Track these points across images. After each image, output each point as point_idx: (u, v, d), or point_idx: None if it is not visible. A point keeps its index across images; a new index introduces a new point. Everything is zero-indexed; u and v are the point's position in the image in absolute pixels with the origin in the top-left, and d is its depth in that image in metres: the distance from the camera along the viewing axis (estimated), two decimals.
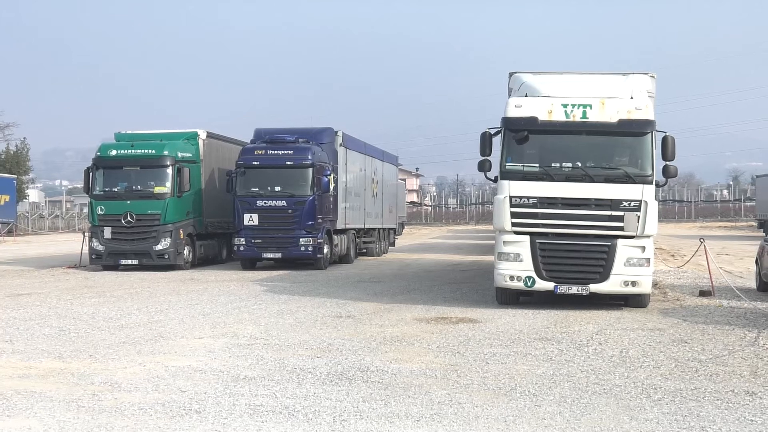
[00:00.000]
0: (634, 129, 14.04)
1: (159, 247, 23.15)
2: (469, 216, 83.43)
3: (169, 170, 23.45)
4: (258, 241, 23.35)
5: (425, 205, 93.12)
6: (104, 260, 23.45)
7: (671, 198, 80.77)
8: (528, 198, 14.15)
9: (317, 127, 25.68)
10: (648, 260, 14.00)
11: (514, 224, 14.19)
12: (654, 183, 14.09)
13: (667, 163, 14.20)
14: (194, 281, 20.11)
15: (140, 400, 7.71)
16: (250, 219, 23.24)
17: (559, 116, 14.13)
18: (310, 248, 23.26)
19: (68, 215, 75.67)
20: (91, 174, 23.85)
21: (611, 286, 14.03)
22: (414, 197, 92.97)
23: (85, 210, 48.62)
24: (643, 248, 13.96)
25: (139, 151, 23.66)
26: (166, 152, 23.57)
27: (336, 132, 25.83)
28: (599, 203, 14.01)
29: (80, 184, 28.96)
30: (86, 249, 24.11)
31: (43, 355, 10.09)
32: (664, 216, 67.23)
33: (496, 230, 14.69)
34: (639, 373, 9.06)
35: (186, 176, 23.67)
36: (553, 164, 14.40)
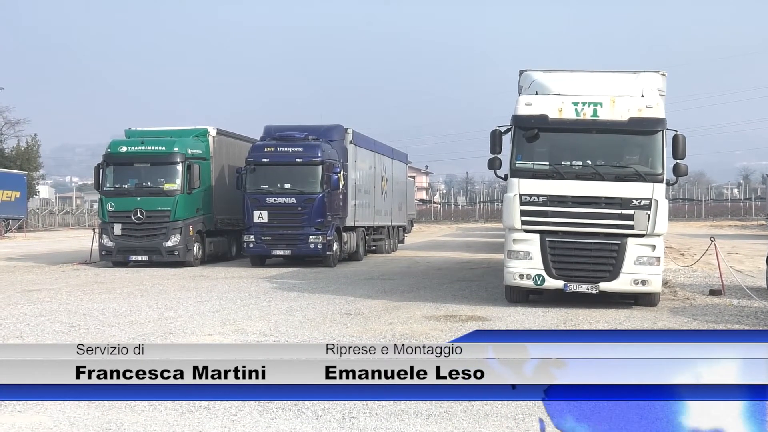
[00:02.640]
0: (644, 127, 14.01)
1: (169, 243, 23.20)
2: (479, 214, 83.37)
3: (179, 167, 23.49)
4: (267, 238, 23.38)
5: (434, 202, 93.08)
6: (114, 257, 23.53)
7: (681, 197, 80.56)
8: (538, 196, 14.12)
9: (327, 125, 25.68)
10: (658, 259, 13.96)
11: (523, 222, 14.17)
12: (664, 182, 14.05)
13: (678, 161, 14.16)
14: (204, 278, 20.16)
15: None
16: (260, 216, 23.27)
17: (569, 114, 14.10)
18: (319, 245, 23.28)
19: (78, 211, 75.93)
20: (101, 171, 23.91)
21: (621, 284, 13.99)
22: (423, 195, 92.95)
23: (95, 206, 48.70)
24: (654, 247, 13.92)
25: (149, 147, 23.72)
26: (176, 149, 23.62)
27: (346, 129, 25.82)
28: (609, 202, 13.98)
29: (90, 181, 29.05)
30: (96, 245, 24.18)
31: None
32: (674, 215, 67.03)
33: (505, 228, 14.67)
34: None
35: (196, 173, 23.72)
36: (563, 162, 14.36)
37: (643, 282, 13.91)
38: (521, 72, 16.11)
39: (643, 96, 14.37)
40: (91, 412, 7.22)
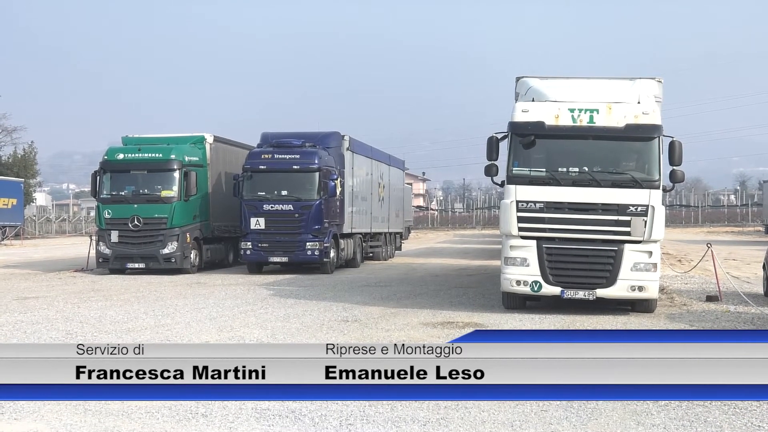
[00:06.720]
0: (641, 134, 14.03)
1: (166, 250, 23.17)
2: (476, 220, 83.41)
3: (176, 174, 23.48)
4: (264, 245, 23.36)
5: (432, 209, 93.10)
6: (111, 264, 23.48)
7: (678, 203, 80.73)
8: (535, 202, 14.13)
9: (324, 132, 25.68)
10: (655, 265, 13.96)
11: (520, 229, 14.17)
12: (661, 188, 14.06)
13: (674, 167, 14.19)
14: (201, 285, 20.13)
15: (147, 404, 7.71)
16: (257, 223, 23.25)
17: (566, 121, 14.12)
18: (316, 252, 23.26)
19: (75, 219, 75.79)
20: (98, 178, 23.88)
21: (618, 291, 13.99)
22: (420, 201, 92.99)
23: (93, 213, 48.65)
24: (650, 253, 13.92)
25: (146, 155, 23.70)
26: (173, 156, 23.62)
27: (343, 136, 25.82)
28: (606, 208, 13.98)
29: (87, 188, 29.12)
30: (93, 252, 24.15)
31: None
32: (671, 221, 67.04)
33: (502, 235, 14.67)
34: None
35: (193, 180, 23.70)
36: (560, 169, 14.37)
37: (640, 288, 13.91)
38: (518, 79, 16.14)
39: (639, 102, 14.40)
40: (88, 419, 7.20)
